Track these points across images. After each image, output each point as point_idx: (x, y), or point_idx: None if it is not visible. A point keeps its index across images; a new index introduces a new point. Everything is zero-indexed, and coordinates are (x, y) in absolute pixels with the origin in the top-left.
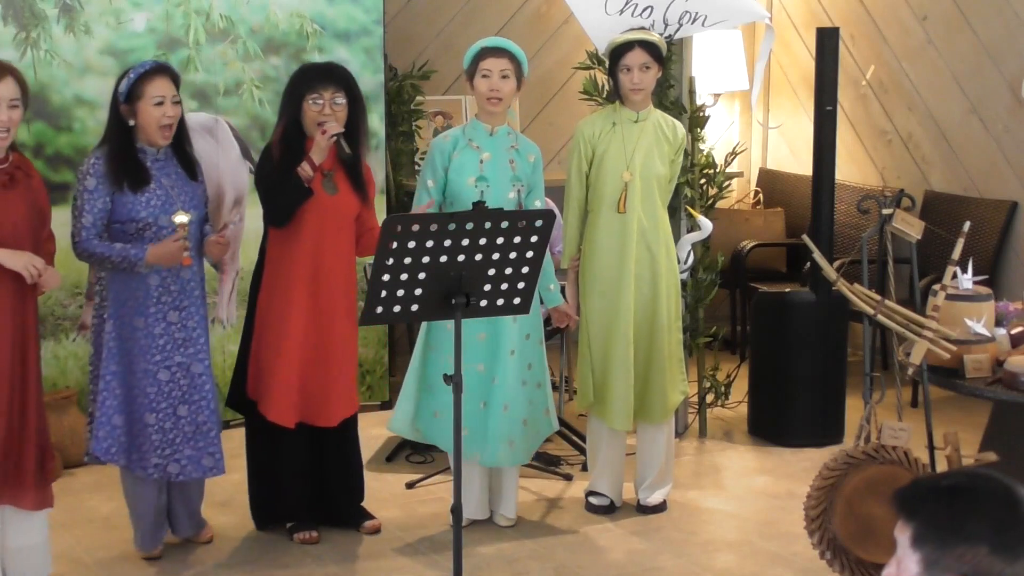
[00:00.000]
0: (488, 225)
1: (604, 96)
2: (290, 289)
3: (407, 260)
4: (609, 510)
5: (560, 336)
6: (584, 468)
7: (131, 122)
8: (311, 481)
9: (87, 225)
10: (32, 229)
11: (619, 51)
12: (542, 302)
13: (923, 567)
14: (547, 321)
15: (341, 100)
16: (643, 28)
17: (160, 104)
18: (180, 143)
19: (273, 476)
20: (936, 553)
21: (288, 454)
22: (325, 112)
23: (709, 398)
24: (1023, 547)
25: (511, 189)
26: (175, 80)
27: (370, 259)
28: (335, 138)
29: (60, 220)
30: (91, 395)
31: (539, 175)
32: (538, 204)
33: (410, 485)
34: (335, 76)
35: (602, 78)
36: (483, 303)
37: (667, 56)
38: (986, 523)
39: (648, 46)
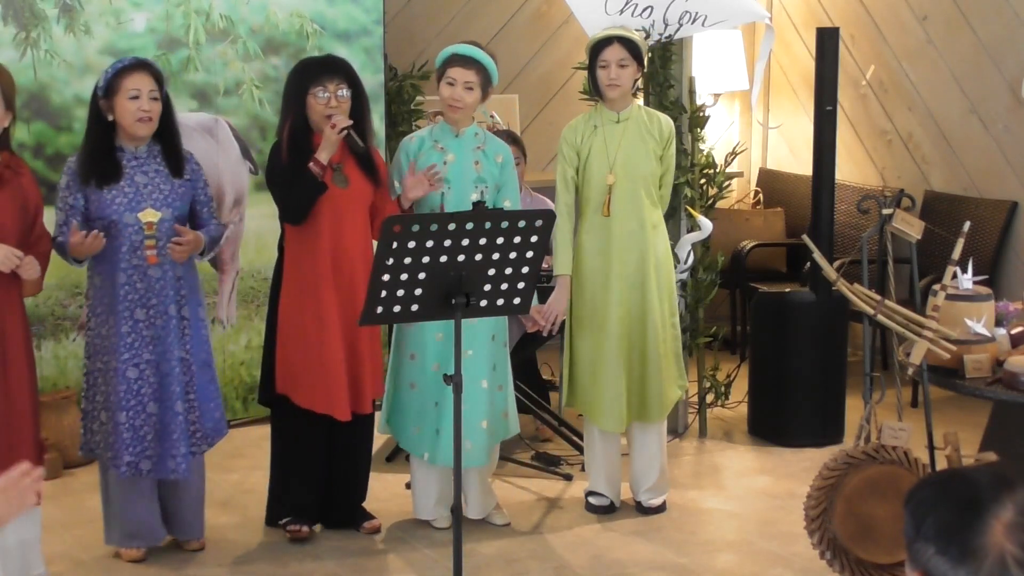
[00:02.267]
0: (488, 225)
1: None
2: (318, 286)
3: (407, 260)
4: (609, 510)
5: (560, 336)
6: (584, 468)
7: (110, 117)
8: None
9: (59, 223)
10: (20, 228)
11: (598, 47)
12: None
13: (907, 556)
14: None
15: (345, 91)
16: (625, 27)
17: (135, 98)
18: (172, 140)
19: (296, 472)
20: (907, 546)
21: (312, 450)
22: (331, 105)
23: (709, 398)
24: (967, 555)
25: (474, 190)
26: (156, 76)
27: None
28: (345, 132)
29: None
30: (83, 391)
31: (508, 174)
32: (508, 204)
33: (410, 485)
34: (337, 68)
35: None
36: (483, 303)
37: (667, 56)
38: (936, 524)
39: (626, 43)
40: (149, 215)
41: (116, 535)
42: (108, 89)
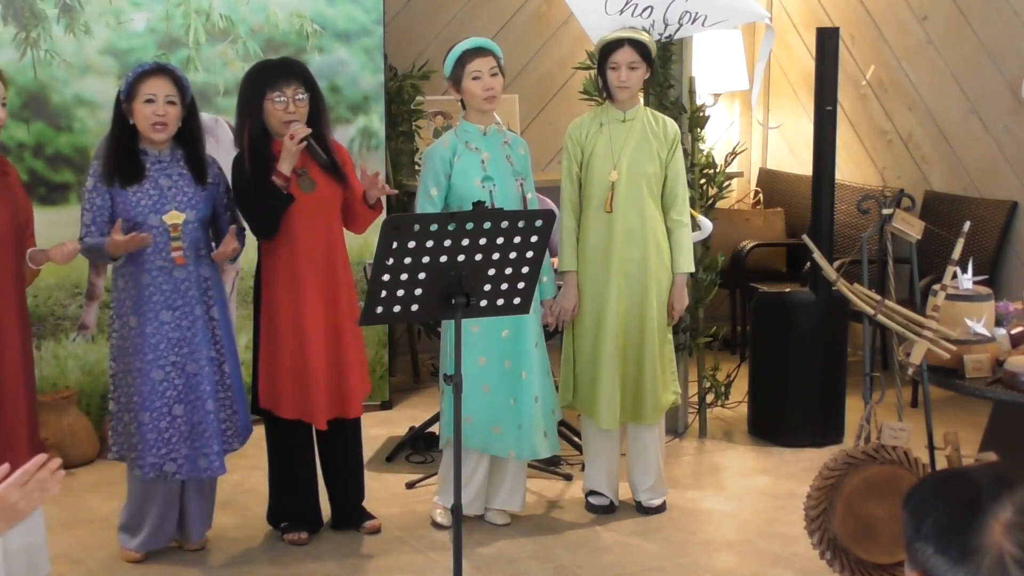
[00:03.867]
0: (488, 225)
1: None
2: (297, 292)
3: (407, 260)
4: (609, 510)
5: (560, 336)
6: (584, 468)
7: (131, 121)
8: (316, 480)
9: (87, 223)
10: (14, 227)
11: (608, 48)
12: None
13: (907, 556)
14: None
15: (302, 95)
16: (634, 28)
17: (151, 102)
18: (194, 146)
19: (292, 477)
20: (907, 546)
21: (303, 454)
22: (289, 110)
23: (709, 398)
24: (966, 555)
25: (515, 184)
26: (177, 81)
27: (370, 258)
28: (305, 142)
29: (58, 219)
30: (110, 394)
31: (529, 167)
32: (529, 196)
33: (410, 485)
34: (295, 72)
35: None
36: (483, 303)
37: (667, 56)
38: (935, 524)
39: (637, 45)
40: (173, 217)
41: (137, 538)
42: (128, 93)
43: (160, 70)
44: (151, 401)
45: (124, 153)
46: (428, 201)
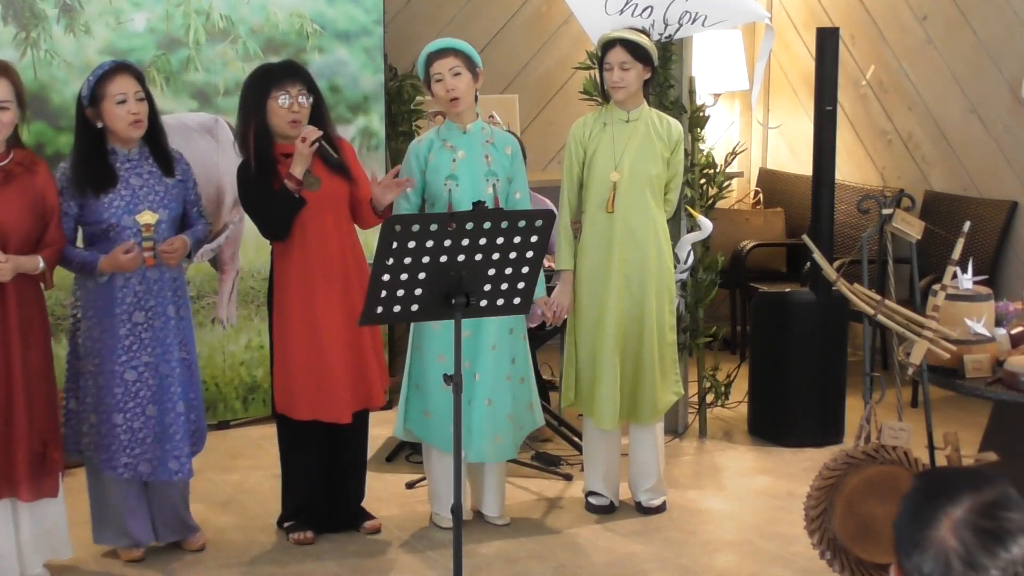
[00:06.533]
0: (488, 225)
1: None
2: (310, 290)
3: (407, 260)
4: (609, 510)
5: (560, 335)
6: (583, 468)
7: (99, 124)
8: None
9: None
10: (29, 226)
11: (603, 49)
12: None
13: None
14: (543, 324)
15: (306, 99)
16: (633, 28)
17: (123, 102)
18: (157, 140)
19: (306, 480)
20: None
21: (313, 455)
22: (293, 109)
23: (709, 398)
24: (914, 545)
25: (486, 184)
26: (138, 77)
27: (370, 259)
28: (317, 144)
29: None
30: (66, 391)
31: (518, 166)
32: (518, 196)
33: (410, 485)
34: (298, 73)
35: None
36: (483, 303)
37: (667, 56)
38: (900, 515)
39: (629, 45)
40: (147, 217)
41: (109, 534)
42: (93, 97)
43: (122, 68)
44: (124, 402)
45: (95, 159)
46: (403, 197)
